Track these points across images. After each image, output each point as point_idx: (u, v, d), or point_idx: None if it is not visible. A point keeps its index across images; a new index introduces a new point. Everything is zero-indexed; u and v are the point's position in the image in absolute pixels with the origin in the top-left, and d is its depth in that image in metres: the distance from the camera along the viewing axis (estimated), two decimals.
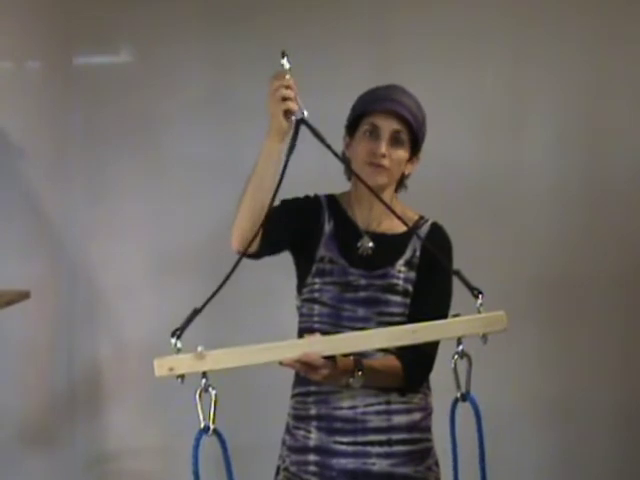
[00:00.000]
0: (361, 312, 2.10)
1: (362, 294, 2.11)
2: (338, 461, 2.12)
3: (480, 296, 1.60)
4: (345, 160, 2.15)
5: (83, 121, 3.50)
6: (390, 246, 2.14)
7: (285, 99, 1.86)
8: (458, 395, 1.60)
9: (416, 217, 2.19)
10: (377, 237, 2.17)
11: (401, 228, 2.14)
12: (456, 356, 1.58)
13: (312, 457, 2.15)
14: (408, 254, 2.15)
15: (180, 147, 3.50)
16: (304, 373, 1.89)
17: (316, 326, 2.09)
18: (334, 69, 3.16)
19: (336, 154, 1.78)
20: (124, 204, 3.51)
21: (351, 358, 1.98)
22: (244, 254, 1.85)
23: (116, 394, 3.55)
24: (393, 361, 2.07)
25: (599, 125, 3.48)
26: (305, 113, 1.79)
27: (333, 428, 2.12)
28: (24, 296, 2.98)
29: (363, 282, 2.12)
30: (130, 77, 3.51)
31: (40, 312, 3.43)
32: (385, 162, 2.10)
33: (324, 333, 1.97)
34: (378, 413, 2.11)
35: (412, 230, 2.09)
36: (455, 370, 1.56)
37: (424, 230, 2.17)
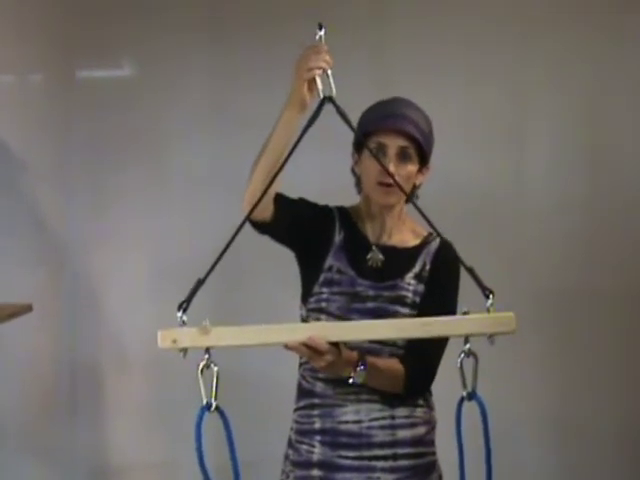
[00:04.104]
0: None
1: (370, 305, 2.11)
2: (343, 476, 2.13)
3: (491, 296, 1.59)
4: (355, 175, 2.19)
5: (86, 134, 3.51)
6: (400, 259, 2.15)
7: (312, 69, 1.83)
8: (464, 394, 1.60)
9: (425, 233, 2.19)
10: (387, 250, 2.17)
11: (411, 242, 2.17)
12: (462, 354, 1.58)
13: (316, 472, 2.15)
14: (418, 267, 2.16)
15: (182, 160, 3.52)
16: (308, 358, 1.90)
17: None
18: (335, 81, 3.10)
19: (354, 130, 1.76)
20: (126, 217, 3.53)
21: (356, 351, 2.00)
22: (251, 220, 1.89)
23: (118, 406, 3.55)
24: (396, 364, 2.08)
25: (601, 138, 3.50)
26: (334, 91, 1.73)
27: (337, 442, 2.12)
28: (27, 309, 2.99)
29: (371, 293, 2.12)
30: (132, 90, 3.53)
31: (42, 325, 3.43)
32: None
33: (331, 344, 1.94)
34: (383, 428, 2.12)
35: (424, 245, 2.14)
36: (461, 369, 1.57)
37: (434, 246, 2.18)
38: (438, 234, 1.79)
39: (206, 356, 1.54)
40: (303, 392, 2.19)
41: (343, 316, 2.10)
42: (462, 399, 1.59)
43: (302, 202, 2.16)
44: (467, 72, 3.46)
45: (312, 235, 2.16)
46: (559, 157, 3.52)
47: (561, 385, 3.50)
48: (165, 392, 3.50)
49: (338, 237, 2.17)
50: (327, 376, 2.11)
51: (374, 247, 2.17)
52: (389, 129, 2.09)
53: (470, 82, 3.47)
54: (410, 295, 2.13)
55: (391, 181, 2.02)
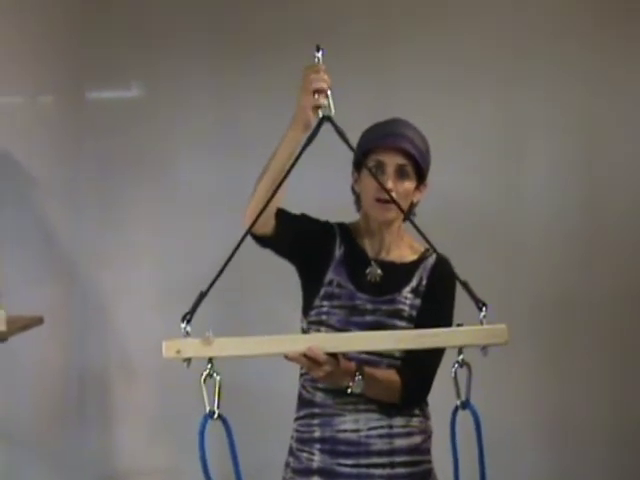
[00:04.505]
0: None
1: (368, 318, 2.13)
2: None
3: (484, 308, 1.61)
4: (355, 193, 2.22)
5: (95, 153, 3.54)
6: (398, 274, 2.16)
7: (318, 92, 1.85)
8: (458, 403, 1.61)
9: (422, 249, 2.21)
10: (385, 265, 2.19)
11: (409, 257, 2.20)
12: (456, 365, 1.59)
13: (316, 479, 2.16)
14: (415, 282, 2.17)
15: (189, 178, 3.54)
16: (307, 368, 1.92)
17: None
18: (335, 99, 3.07)
19: (352, 148, 1.78)
20: (135, 233, 3.54)
21: (353, 362, 2.01)
22: (253, 233, 1.92)
23: (125, 415, 3.55)
24: (394, 375, 2.09)
25: (599, 152, 3.51)
26: (332, 111, 1.77)
27: (337, 451, 2.13)
28: (38, 321, 2.99)
29: (370, 307, 2.13)
30: (140, 111, 3.56)
31: (53, 337, 3.44)
32: (392, 196, 2.09)
33: (329, 355, 1.95)
34: (381, 436, 2.13)
35: (421, 260, 2.16)
36: (455, 379, 1.57)
37: (430, 261, 2.20)
38: (434, 250, 1.81)
39: (209, 366, 1.55)
40: (303, 402, 2.20)
41: (342, 329, 2.11)
42: (456, 408, 1.60)
43: (304, 217, 2.18)
44: (465, 90, 3.47)
45: (313, 250, 2.17)
46: (557, 173, 3.53)
47: (556, 394, 3.50)
48: (170, 401, 3.50)
49: (338, 252, 2.19)
50: (327, 386, 2.12)
51: (373, 262, 2.19)
52: (387, 147, 2.11)
53: (468, 99, 3.48)
54: (407, 309, 2.14)
55: (388, 197, 2.04)
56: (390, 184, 2.10)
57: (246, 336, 1.61)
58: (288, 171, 1.78)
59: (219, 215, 3.41)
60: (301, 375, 2.21)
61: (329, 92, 1.82)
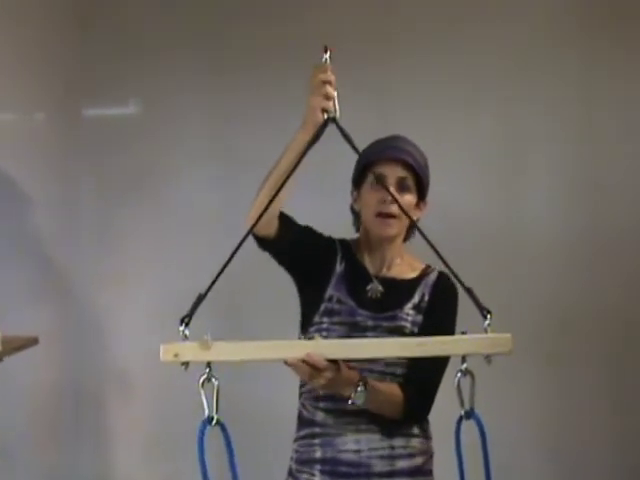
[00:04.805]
0: None
1: (369, 335, 2.12)
2: None
3: (489, 316, 1.60)
4: (354, 212, 2.23)
5: (92, 171, 3.54)
6: (399, 290, 2.17)
7: (327, 97, 1.87)
8: (462, 412, 1.60)
9: (423, 266, 2.22)
10: (387, 281, 2.19)
11: (410, 274, 2.19)
12: (459, 373, 1.58)
13: None
14: (417, 298, 2.17)
15: (188, 196, 3.54)
16: (307, 376, 1.89)
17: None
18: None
19: (357, 151, 1.78)
20: (132, 252, 3.54)
21: (356, 371, 2.00)
22: (255, 234, 1.93)
23: (120, 433, 3.55)
24: (396, 389, 2.09)
25: (601, 172, 3.51)
26: (337, 113, 1.80)
27: (337, 472, 2.12)
28: (33, 342, 2.99)
29: (370, 323, 2.13)
30: (138, 128, 3.56)
31: (48, 358, 3.42)
32: (393, 209, 2.11)
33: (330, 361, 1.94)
34: (382, 457, 2.12)
35: (422, 276, 2.17)
36: (459, 388, 1.57)
37: (432, 278, 2.20)
38: (444, 262, 1.77)
39: (207, 370, 1.55)
40: (303, 421, 2.18)
41: None
42: (461, 418, 1.60)
43: (308, 229, 2.18)
44: (465, 108, 3.48)
45: (314, 263, 2.17)
46: (559, 191, 3.53)
47: (557, 404, 3.51)
48: (165, 419, 3.50)
49: (339, 268, 2.18)
50: (327, 406, 2.12)
51: (374, 278, 2.19)
52: (388, 159, 2.12)
53: (469, 116, 3.49)
54: (409, 326, 2.14)
55: (391, 210, 2.08)
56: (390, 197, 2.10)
57: (245, 340, 1.61)
58: (292, 170, 1.78)
59: (219, 233, 3.27)
60: (301, 394, 2.20)
61: (335, 94, 1.85)
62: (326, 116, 1.79)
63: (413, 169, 2.13)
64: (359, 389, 1.99)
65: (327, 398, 2.10)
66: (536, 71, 3.49)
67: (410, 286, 2.19)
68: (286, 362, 1.79)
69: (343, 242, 2.22)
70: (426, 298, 2.17)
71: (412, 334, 2.11)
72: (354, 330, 2.12)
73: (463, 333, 1.62)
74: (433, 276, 2.20)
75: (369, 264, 2.20)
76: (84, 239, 3.54)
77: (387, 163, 2.13)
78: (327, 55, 1.84)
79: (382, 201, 2.10)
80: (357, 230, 2.26)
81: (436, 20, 3.50)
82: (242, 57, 3.50)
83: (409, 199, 2.14)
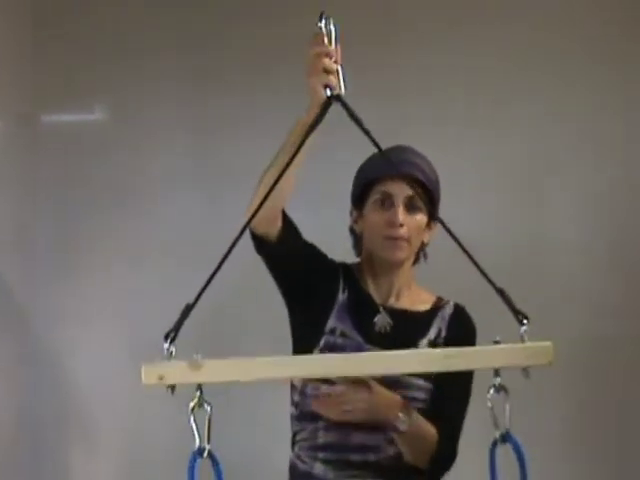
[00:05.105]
0: None
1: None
2: None
3: (525, 321, 1.50)
4: (354, 234, 2.17)
5: (51, 187, 3.43)
6: (411, 324, 2.10)
7: (327, 71, 1.74)
8: (497, 436, 1.45)
9: (434, 297, 2.17)
10: (396, 313, 2.11)
11: (422, 305, 2.14)
12: (492, 390, 1.45)
13: None
14: (432, 334, 2.11)
15: (159, 219, 3.43)
16: (340, 414, 1.92)
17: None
18: (339, 131, 2.98)
19: (376, 143, 1.62)
20: (96, 280, 3.43)
21: (396, 395, 1.99)
22: (253, 231, 1.91)
23: None
24: (431, 426, 2.03)
25: (630, 192, 3.43)
26: (342, 89, 1.69)
27: None
28: None
29: None
30: (104, 138, 3.43)
31: (2, 407, 3.26)
32: (403, 232, 2.05)
33: (334, 423, 1.98)
34: None
35: (437, 309, 2.12)
36: (492, 407, 1.43)
37: (448, 311, 2.14)
38: (485, 277, 1.62)
39: (197, 393, 1.42)
40: (299, 475, 2.09)
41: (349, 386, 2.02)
42: (495, 442, 1.46)
43: (311, 244, 2.11)
44: (482, 122, 3.39)
45: (314, 286, 2.09)
46: (584, 212, 3.45)
47: (604, 424, 3.40)
48: (134, 467, 3.38)
49: (342, 296, 2.11)
50: (328, 456, 2.04)
51: (382, 309, 2.11)
52: (395, 176, 2.02)
53: (486, 132, 3.40)
54: None
55: (401, 234, 2.03)
56: (401, 217, 2.04)
57: (242, 357, 1.48)
58: (294, 154, 1.65)
59: (198, 259, 3.06)
60: (295, 443, 2.11)
61: (338, 67, 1.74)
62: (329, 93, 1.68)
63: (423, 185, 2.05)
64: (403, 413, 1.97)
65: (327, 447, 2.04)
66: (562, 79, 3.41)
67: (424, 320, 2.12)
68: (315, 403, 1.83)
69: (345, 267, 2.16)
70: (443, 334, 2.11)
71: (429, 374, 2.03)
72: None
73: (496, 342, 1.50)
74: (449, 309, 2.14)
75: (374, 292, 2.13)
76: (41, 267, 3.43)
77: (394, 180, 2.04)
78: (322, 23, 1.73)
79: (391, 224, 2.04)
80: (358, 254, 2.19)
81: (452, 36, 3.42)
82: (228, 58, 3.41)
83: (419, 220, 2.08)
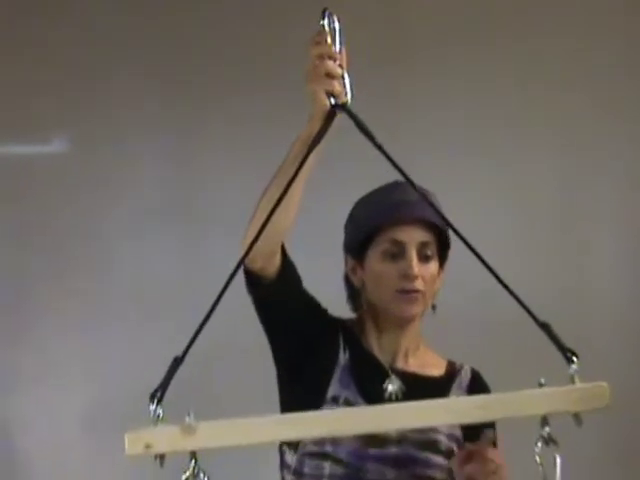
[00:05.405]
0: (391, 474, 1.91)
1: (393, 450, 1.93)
2: None
3: (575, 359, 1.43)
4: (350, 286, 2.06)
5: (2, 228, 3.29)
6: (426, 391, 1.86)
7: (330, 75, 1.62)
8: None
9: (443, 360, 2.08)
10: (408, 378, 2.00)
11: (435, 370, 2.05)
12: (540, 442, 1.36)
13: None
14: None
15: (125, 267, 3.31)
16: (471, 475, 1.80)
17: None
18: (343, 167, 3.04)
19: (391, 159, 1.52)
20: (53, 341, 3.28)
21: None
22: (248, 267, 1.82)
23: None
24: None
25: None
26: (349, 97, 1.57)
27: None
28: None
29: (394, 435, 1.93)
30: (63, 173, 3.29)
31: None
32: (419, 285, 1.94)
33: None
34: None
35: (452, 375, 2.04)
36: (541, 463, 1.34)
37: (464, 377, 2.06)
38: (527, 311, 1.52)
39: (192, 463, 1.36)
40: None
41: (356, 465, 1.92)
42: None
43: (314, 298, 2.01)
44: (508, 152, 3.29)
45: (312, 342, 1.96)
46: (630, 259, 3.39)
47: None
48: None
49: (343, 357, 1.99)
50: None
51: (391, 373, 1.99)
52: (405, 220, 1.94)
53: (513, 164, 3.30)
54: (444, 440, 1.97)
55: (417, 287, 1.92)
56: (416, 269, 1.93)
57: (243, 417, 1.38)
58: (295, 174, 1.56)
59: (165, 316, 3.19)
60: None
61: (344, 72, 1.61)
62: (333, 101, 1.57)
63: (437, 229, 1.96)
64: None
65: None
66: (602, 104, 3.33)
67: (439, 387, 2.01)
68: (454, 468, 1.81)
69: (343, 323, 2.06)
70: None
71: (449, 451, 1.96)
72: (371, 444, 1.93)
73: (541, 385, 1.42)
74: (465, 375, 2.05)
75: (379, 353, 2.02)
76: None
77: (404, 225, 1.95)
78: (324, 21, 1.60)
79: (405, 276, 1.93)
80: (355, 309, 2.08)
81: (467, 42, 3.33)
82: (210, 84, 3.29)
83: (433, 269, 1.98)
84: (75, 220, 3.28)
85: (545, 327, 1.48)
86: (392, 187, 1.99)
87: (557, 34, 3.39)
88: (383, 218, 1.96)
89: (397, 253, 1.94)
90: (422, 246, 1.95)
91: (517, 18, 3.38)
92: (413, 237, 1.94)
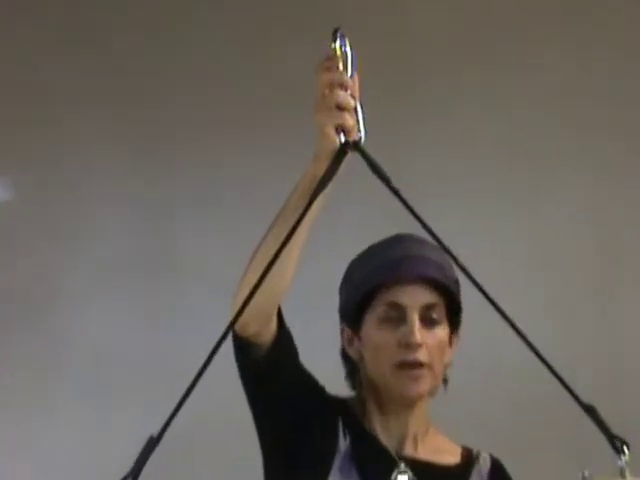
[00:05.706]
0: None
1: None
2: None
3: (625, 449, 1.28)
4: (348, 361, 1.93)
5: None
6: None
7: (341, 107, 1.54)
8: None
9: (458, 446, 1.94)
10: (419, 467, 1.86)
11: (449, 457, 1.91)
12: None
13: None
14: None
15: (88, 332, 3.10)
16: None
17: None
18: (344, 205, 2.91)
19: (408, 205, 1.40)
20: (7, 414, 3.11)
21: None
22: (238, 333, 1.71)
23: None
24: None
25: None
26: (362, 134, 1.49)
27: None
28: None
29: None
30: (7, 221, 3.15)
31: None
32: (422, 356, 1.80)
33: None
34: None
35: (469, 463, 1.91)
36: None
37: (484, 465, 1.92)
38: (571, 393, 1.41)
39: None
40: None
41: None
42: None
43: (312, 376, 1.90)
44: (528, 196, 3.18)
45: (309, 425, 1.84)
46: None
47: None
48: None
49: (344, 442, 1.86)
50: None
51: (398, 461, 1.84)
52: (405, 279, 1.82)
53: (533, 212, 3.18)
54: None
55: (419, 358, 1.80)
56: (418, 337, 1.80)
57: None
58: (297, 222, 1.45)
59: (132, 392, 3.00)
60: None
61: (357, 104, 1.52)
62: (343, 139, 1.47)
63: (444, 289, 1.84)
64: None
65: None
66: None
67: (456, 477, 1.89)
68: None
69: (343, 402, 1.94)
70: None
71: None
72: None
73: (584, 478, 1.29)
74: (484, 463, 1.90)
75: (384, 438, 1.88)
76: None
77: (404, 284, 1.82)
78: (337, 44, 1.49)
79: (405, 345, 1.80)
80: (353, 386, 1.93)
81: (483, 69, 3.24)
82: (182, 128, 3.12)
83: (441, 335, 1.85)
84: (22, 276, 3.14)
85: (590, 411, 1.36)
86: (392, 241, 1.89)
87: (579, 68, 3.30)
88: (380, 277, 1.84)
89: (396, 318, 1.81)
90: (426, 309, 1.82)
91: (536, 52, 3.30)
92: (415, 299, 1.81)
